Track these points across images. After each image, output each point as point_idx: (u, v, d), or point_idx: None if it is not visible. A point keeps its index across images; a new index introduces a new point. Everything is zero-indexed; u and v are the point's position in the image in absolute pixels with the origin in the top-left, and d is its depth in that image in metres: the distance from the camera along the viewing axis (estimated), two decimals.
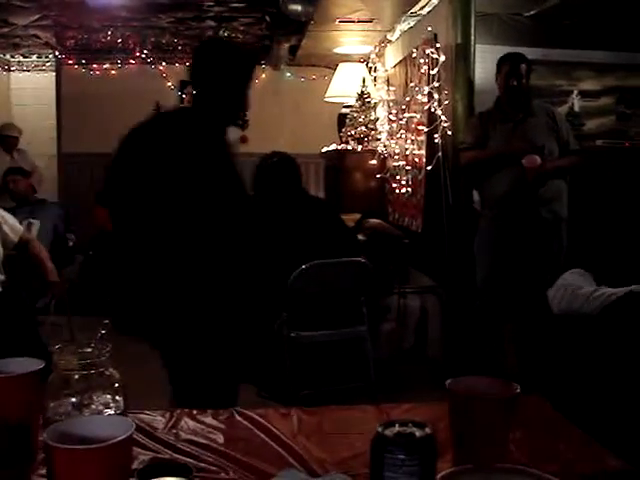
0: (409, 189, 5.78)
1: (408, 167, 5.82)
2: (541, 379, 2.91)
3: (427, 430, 0.96)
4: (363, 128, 6.43)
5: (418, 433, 0.96)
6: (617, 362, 2.25)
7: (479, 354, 4.32)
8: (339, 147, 6.59)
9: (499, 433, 1.14)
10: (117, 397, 1.18)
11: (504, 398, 1.14)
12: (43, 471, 1.11)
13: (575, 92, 5.43)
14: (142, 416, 1.49)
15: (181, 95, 8.91)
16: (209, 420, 1.50)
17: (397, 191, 6.04)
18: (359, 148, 6.44)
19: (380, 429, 0.97)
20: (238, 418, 1.51)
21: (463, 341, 4.58)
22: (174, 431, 1.43)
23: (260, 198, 4.09)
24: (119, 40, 7.85)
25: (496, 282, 4.29)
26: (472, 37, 4.61)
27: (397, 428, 0.97)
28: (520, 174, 4.09)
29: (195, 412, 1.53)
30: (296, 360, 3.80)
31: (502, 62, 4.30)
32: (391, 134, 6.38)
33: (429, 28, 5.24)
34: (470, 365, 4.27)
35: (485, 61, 4.68)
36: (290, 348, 3.77)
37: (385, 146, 6.48)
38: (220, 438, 1.41)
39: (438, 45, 5.05)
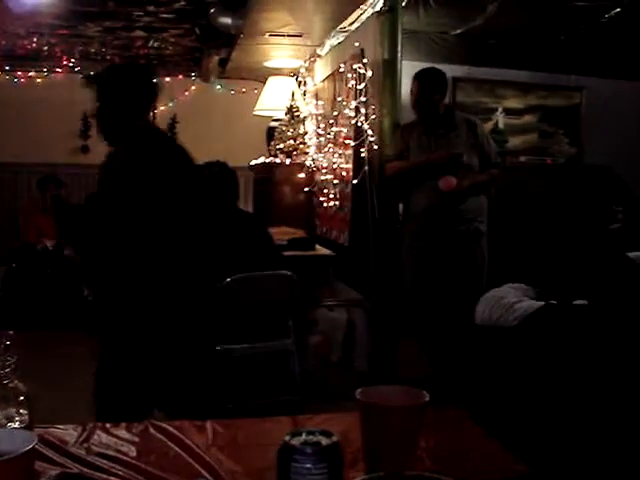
0: (336, 203, 5.82)
1: (336, 181, 5.86)
2: (460, 390, 2.95)
3: (334, 438, 0.97)
4: (292, 142, 6.45)
5: (324, 441, 0.96)
6: (531, 374, 2.30)
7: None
8: (268, 160, 6.59)
9: (408, 441, 1.15)
10: (22, 410, 1.15)
11: (412, 406, 1.15)
12: None
13: (499, 109, 5.55)
14: (52, 430, 1.46)
15: None
16: (122, 433, 1.48)
17: (325, 204, 6.07)
18: (287, 161, 6.45)
19: (287, 438, 0.97)
20: (152, 431, 1.49)
21: (390, 354, 4.62)
22: (85, 445, 1.41)
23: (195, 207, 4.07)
24: (45, 48, 7.69)
25: (421, 294, 4.35)
26: (399, 54, 4.68)
27: (304, 437, 0.97)
28: (439, 190, 4.17)
29: (109, 425, 1.51)
30: (222, 374, 3.77)
31: (413, 80, 4.39)
32: (319, 148, 6.41)
33: (357, 44, 5.30)
34: (396, 377, 4.31)
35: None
36: (216, 362, 3.74)
37: (313, 160, 6.51)
38: (133, 451, 1.39)
39: (365, 60, 5.11)
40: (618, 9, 4.78)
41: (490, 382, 2.63)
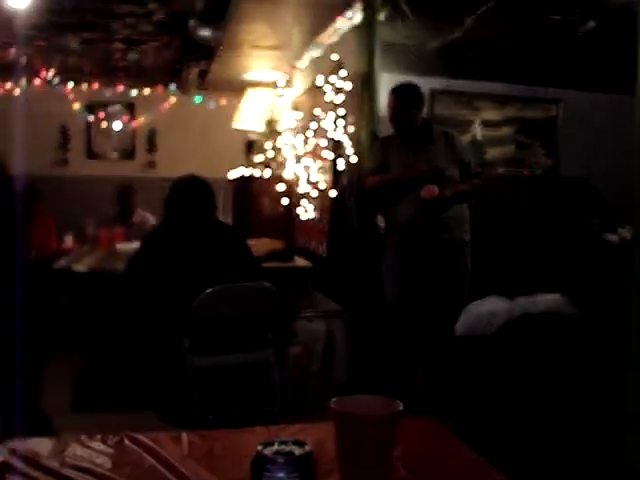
0: (315, 214, 5.83)
1: (314, 192, 5.87)
2: (445, 400, 2.96)
3: (306, 448, 0.97)
4: (271, 154, 6.47)
5: (297, 451, 0.96)
6: (508, 382, 2.31)
7: (387, 377, 4.38)
8: (247, 173, 6.60)
9: (382, 450, 1.15)
10: None
11: (385, 415, 1.15)
12: None
13: (477, 121, 5.60)
14: (26, 443, 1.44)
15: (88, 118, 8.77)
16: (97, 445, 1.47)
17: (304, 216, 6.08)
18: (267, 174, 6.46)
19: (260, 448, 0.97)
20: (127, 443, 1.48)
21: (369, 365, 4.62)
22: (59, 457, 1.39)
23: (171, 220, 4.06)
24: (23, 59, 7.64)
25: (405, 305, 4.34)
26: (377, 66, 4.70)
27: (276, 447, 0.97)
28: (421, 200, 4.18)
29: (83, 437, 1.50)
30: (201, 386, 3.76)
31: (390, 94, 4.41)
32: (298, 160, 6.43)
33: (336, 57, 5.33)
34: (376, 388, 4.31)
35: None
36: (194, 373, 3.73)
37: (292, 172, 6.52)
38: (108, 463, 1.38)
39: (344, 73, 5.13)
40: (593, 23, 4.84)
41: (470, 391, 2.64)
